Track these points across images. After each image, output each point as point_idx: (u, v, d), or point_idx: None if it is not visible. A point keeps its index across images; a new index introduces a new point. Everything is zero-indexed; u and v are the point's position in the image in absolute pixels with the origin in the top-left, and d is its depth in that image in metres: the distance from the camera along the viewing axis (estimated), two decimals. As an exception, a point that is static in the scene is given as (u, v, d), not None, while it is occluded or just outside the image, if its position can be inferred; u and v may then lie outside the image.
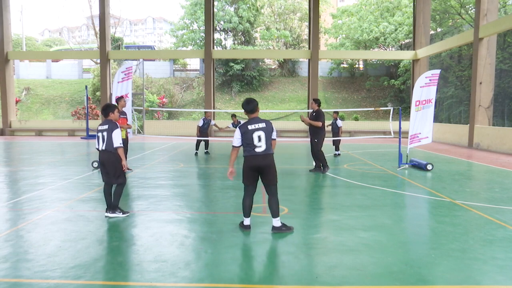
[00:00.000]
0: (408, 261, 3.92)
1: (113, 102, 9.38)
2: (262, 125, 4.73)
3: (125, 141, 8.48)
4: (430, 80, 10.03)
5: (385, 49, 32.56)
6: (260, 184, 4.93)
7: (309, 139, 9.74)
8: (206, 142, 13.52)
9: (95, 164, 9.80)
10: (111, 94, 16.41)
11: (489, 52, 16.29)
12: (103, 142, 5.35)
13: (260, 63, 33.96)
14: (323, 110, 9.32)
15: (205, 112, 13.58)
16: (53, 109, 30.76)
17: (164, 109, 23.85)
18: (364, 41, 31.66)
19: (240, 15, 33.44)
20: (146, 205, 6.22)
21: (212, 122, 13.60)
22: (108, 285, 3.39)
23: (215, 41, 27.65)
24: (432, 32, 26.97)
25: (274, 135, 4.87)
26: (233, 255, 4.08)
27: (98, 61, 25.11)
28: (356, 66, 34.97)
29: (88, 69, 36.01)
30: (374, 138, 19.54)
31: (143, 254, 4.07)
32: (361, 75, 34.60)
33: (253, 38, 36.38)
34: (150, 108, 22.47)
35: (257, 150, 4.68)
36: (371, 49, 32.37)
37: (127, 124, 9.30)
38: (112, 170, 5.36)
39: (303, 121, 9.39)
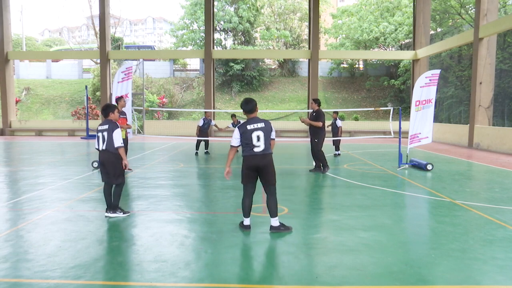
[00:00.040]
0: (408, 261, 3.92)
1: (113, 102, 9.38)
2: (261, 125, 4.73)
3: (125, 141, 8.48)
4: (430, 80, 10.03)
5: (385, 49, 32.56)
6: (259, 184, 4.92)
7: (309, 139, 9.74)
8: (206, 142, 13.52)
9: (95, 164, 9.80)
10: (111, 94, 16.42)
11: (489, 52, 16.29)
12: (103, 142, 5.35)
13: (260, 63, 33.97)
14: (323, 110, 9.33)
15: (205, 112, 13.59)
16: (53, 109, 30.76)
17: (164, 109, 23.85)
18: (364, 41, 31.66)
19: (240, 15, 33.44)
20: (146, 205, 6.22)
21: (213, 122, 13.60)
22: (108, 285, 3.39)
23: (215, 41, 27.65)
24: (432, 32, 26.97)
25: (273, 135, 4.88)
26: (233, 255, 4.08)
27: (98, 61, 25.11)
28: (356, 66, 34.97)
29: (88, 69, 36.02)
30: (374, 138, 19.54)
31: (143, 254, 4.07)
32: (361, 75, 34.60)
33: (253, 38, 36.38)
34: (150, 108, 22.47)
35: (256, 150, 4.69)
36: (371, 49, 32.37)
37: (127, 124, 9.31)
38: (112, 170, 5.36)
39: (303, 122, 9.41)
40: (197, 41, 33.99)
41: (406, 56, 23.71)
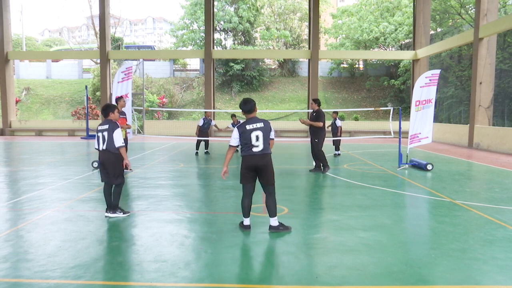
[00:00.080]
0: (408, 261, 3.92)
1: (113, 102, 9.39)
2: (260, 124, 4.74)
3: (125, 141, 8.48)
4: (430, 80, 10.03)
5: (385, 49, 32.56)
6: (259, 184, 4.92)
7: (309, 139, 9.75)
8: (206, 142, 13.52)
9: (95, 164, 9.80)
10: (111, 94, 16.41)
11: (489, 52, 16.29)
12: (103, 142, 5.35)
13: (260, 63, 33.97)
14: (323, 110, 9.34)
15: (205, 112, 13.59)
16: (53, 109, 30.76)
17: (164, 109, 23.86)
18: (364, 41, 31.66)
19: (240, 15, 33.44)
20: (146, 205, 6.22)
21: (213, 122, 13.59)
22: (108, 285, 3.39)
23: (215, 41, 27.65)
24: (432, 32, 26.97)
25: (272, 135, 4.88)
26: (233, 255, 4.08)
27: (98, 61, 25.11)
28: (356, 66, 34.97)
29: (88, 69, 36.02)
30: (374, 138, 19.54)
31: (143, 254, 4.07)
32: (361, 75, 34.60)
33: (253, 38, 36.38)
34: (150, 108, 22.47)
35: (255, 149, 4.69)
36: (371, 49, 32.37)
37: (127, 124, 9.32)
38: (112, 170, 5.36)
39: (303, 123, 9.43)
40: (197, 41, 33.99)
41: (406, 56, 23.71)
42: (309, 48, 22.84)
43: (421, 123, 10.15)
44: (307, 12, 29.93)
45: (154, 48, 42.77)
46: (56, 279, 3.45)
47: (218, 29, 34.53)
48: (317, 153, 9.32)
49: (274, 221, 4.82)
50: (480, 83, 16.24)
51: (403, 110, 24.81)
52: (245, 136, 4.69)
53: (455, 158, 12.73)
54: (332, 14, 36.35)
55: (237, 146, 4.84)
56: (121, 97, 8.84)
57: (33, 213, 5.63)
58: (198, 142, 13.37)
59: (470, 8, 25.78)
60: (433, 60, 24.50)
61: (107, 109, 5.53)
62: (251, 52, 29.72)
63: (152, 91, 30.44)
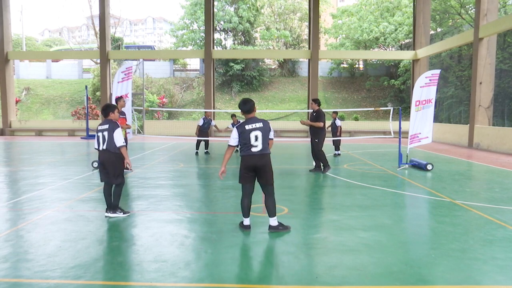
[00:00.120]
0: (408, 261, 3.92)
1: (113, 102, 9.38)
2: (259, 124, 4.74)
3: (125, 142, 8.47)
4: (430, 80, 10.03)
5: (385, 49, 32.56)
6: (258, 184, 4.92)
7: (309, 139, 9.75)
8: (206, 142, 13.52)
9: (95, 164, 9.80)
10: (111, 94, 16.42)
11: (489, 52, 16.29)
12: (103, 141, 5.35)
13: (260, 63, 33.97)
14: (323, 110, 9.34)
15: (205, 112, 13.59)
16: (53, 109, 30.76)
17: (164, 109, 23.86)
18: (364, 41, 31.66)
19: (240, 15, 33.44)
20: (146, 205, 6.22)
21: (213, 123, 13.57)
22: (108, 285, 3.39)
23: (215, 41, 27.65)
24: (432, 32, 26.97)
25: (271, 135, 4.88)
26: (233, 255, 4.08)
27: (98, 61, 25.11)
28: (356, 66, 34.97)
29: (88, 69, 36.02)
30: (374, 138, 19.54)
31: (143, 254, 4.07)
32: (361, 75, 34.60)
33: (253, 38, 36.38)
34: (150, 108, 22.47)
35: (254, 150, 4.69)
36: (371, 49, 32.37)
37: (126, 124, 9.32)
38: (112, 170, 5.36)
39: (303, 124, 9.44)
40: (197, 41, 33.99)
41: (406, 56, 23.71)
42: (309, 48, 22.84)
43: (421, 123, 10.15)
44: (307, 12, 29.92)
45: (154, 48, 42.77)
46: (56, 279, 3.45)
47: (218, 29, 34.53)
48: (317, 153, 9.32)
49: (273, 221, 4.83)
50: (480, 83, 16.24)
51: (403, 110, 24.81)
52: (244, 136, 4.69)
53: (455, 158, 12.73)
54: (332, 14, 36.35)
55: (236, 146, 4.84)
56: (121, 97, 8.83)
57: (33, 213, 5.63)
58: (198, 142, 13.37)
59: (470, 8, 25.78)
60: (433, 60, 24.50)
61: (107, 109, 5.53)
62: (251, 52, 29.73)
63: (152, 91, 30.44)
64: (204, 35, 25.58)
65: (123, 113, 9.03)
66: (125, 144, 5.44)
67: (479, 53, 16.20)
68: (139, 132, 20.50)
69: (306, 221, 5.37)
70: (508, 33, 19.18)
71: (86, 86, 20.52)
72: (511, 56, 20.46)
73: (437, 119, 20.87)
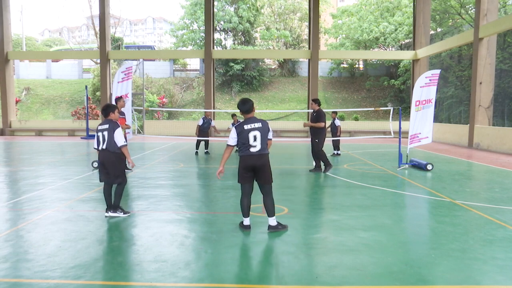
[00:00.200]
0: (408, 261, 3.92)
1: (113, 102, 9.39)
2: (258, 125, 4.74)
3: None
4: (430, 80, 10.03)
5: (385, 49, 32.56)
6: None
7: (309, 139, 9.76)
8: (206, 142, 13.51)
9: (95, 164, 9.80)
10: (111, 94, 16.41)
11: (489, 52, 16.29)
12: (103, 141, 5.34)
13: (260, 63, 33.96)
14: (323, 110, 9.35)
15: (205, 112, 13.58)
16: (53, 109, 30.76)
17: (164, 109, 23.86)
18: (364, 41, 31.66)
19: (240, 15, 33.44)
20: (146, 205, 6.22)
21: (213, 123, 13.56)
22: (108, 285, 3.39)
23: (215, 41, 27.65)
24: (432, 32, 26.97)
25: (270, 135, 4.88)
26: (233, 255, 4.08)
27: (98, 61, 25.11)
28: (356, 66, 34.97)
29: (88, 69, 36.02)
30: (374, 138, 19.54)
31: (143, 254, 4.07)
32: (361, 75, 34.60)
33: (253, 38, 36.38)
34: (150, 108, 22.47)
35: (252, 150, 4.69)
36: (371, 49, 32.37)
37: (126, 125, 9.34)
38: (112, 170, 5.36)
39: (306, 126, 9.47)
40: (197, 41, 33.99)
41: (406, 56, 23.71)
42: (309, 48, 22.84)
43: (421, 123, 10.15)
44: (307, 12, 29.92)
45: (154, 48, 42.77)
46: (56, 279, 3.45)
47: (218, 29, 34.52)
48: (317, 153, 9.32)
49: (272, 221, 4.83)
50: (480, 83, 16.24)
51: (403, 110, 24.81)
52: (243, 136, 4.70)
53: (455, 158, 12.73)
54: (332, 14, 36.34)
55: (235, 146, 4.84)
56: (121, 97, 8.84)
57: (33, 213, 5.63)
58: (198, 142, 13.37)
59: (470, 8, 25.78)
60: (433, 60, 24.50)
61: (108, 109, 5.53)
62: (251, 52, 29.73)
63: (152, 91, 30.44)
64: (204, 35, 25.58)
65: (122, 113, 9.05)
66: (126, 143, 5.45)
67: (479, 53, 16.20)
68: (139, 132, 20.49)
69: (306, 221, 5.37)
70: (508, 33, 19.18)
71: (86, 86, 20.53)
72: (511, 56, 20.46)
73: (437, 119, 20.87)
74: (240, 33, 34.80)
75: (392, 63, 31.60)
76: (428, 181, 8.49)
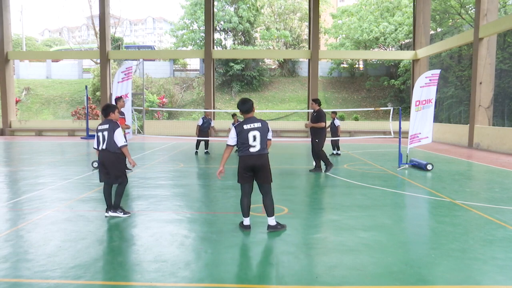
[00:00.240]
0: (408, 261, 3.92)
1: (113, 102, 9.39)
2: (258, 124, 4.74)
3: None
4: (430, 80, 10.03)
5: (385, 49, 32.56)
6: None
7: (309, 139, 9.76)
8: (206, 142, 13.51)
9: (95, 164, 9.79)
10: (111, 94, 16.41)
11: (489, 52, 16.29)
12: (103, 141, 5.34)
13: (260, 63, 33.96)
14: (323, 110, 9.35)
15: (205, 112, 13.58)
16: (53, 109, 30.76)
17: (164, 109, 23.85)
18: (364, 41, 31.66)
19: (240, 15, 33.44)
20: (146, 205, 6.22)
21: (212, 123, 13.55)
22: (108, 285, 3.39)
23: (215, 41, 27.65)
24: (432, 32, 26.97)
25: (269, 136, 4.88)
26: (233, 255, 4.08)
27: (98, 61, 25.11)
28: (356, 66, 34.97)
29: (88, 69, 36.01)
30: (374, 138, 19.54)
31: (143, 254, 4.07)
32: (361, 75, 34.60)
33: (253, 38, 36.38)
34: (150, 108, 22.46)
35: (252, 150, 4.69)
36: (371, 49, 32.37)
37: (125, 125, 9.34)
38: (113, 170, 5.36)
39: (307, 127, 9.47)
40: (197, 41, 33.99)
41: (406, 56, 23.71)
42: (309, 48, 22.84)
43: (421, 123, 10.15)
44: (307, 12, 29.93)
45: (154, 48, 42.77)
46: (56, 279, 3.45)
47: (218, 29, 34.52)
48: (318, 153, 9.32)
49: (272, 221, 4.84)
50: (480, 83, 16.24)
51: (403, 110, 24.81)
52: (242, 136, 4.70)
53: (455, 158, 12.73)
54: (332, 14, 36.34)
55: (235, 145, 4.84)
56: (121, 97, 8.83)
57: (33, 213, 5.63)
58: (198, 142, 13.37)
59: (470, 8, 25.78)
60: (433, 60, 24.50)
61: (108, 109, 5.53)
62: (251, 52, 29.73)
63: (152, 91, 30.43)
64: (204, 35, 25.58)
65: (122, 113, 9.04)
66: (126, 143, 5.44)
67: (479, 53, 16.20)
68: (139, 132, 20.49)
69: (306, 221, 5.37)
70: (508, 33, 19.18)
71: (86, 86, 20.53)
72: (511, 56, 20.46)
73: (437, 119, 20.87)
74: (240, 33, 34.80)
75: (392, 63, 31.60)
76: (428, 181, 8.49)
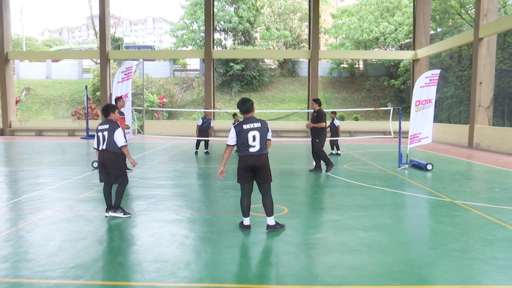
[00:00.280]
0: (408, 261, 3.92)
1: (113, 102, 9.39)
2: (257, 124, 4.74)
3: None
4: (430, 80, 10.03)
5: (385, 49, 32.56)
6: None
7: (309, 139, 9.75)
8: (206, 142, 13.51)
9: (95, 164, 9.79)
10: (111, 94, 16.41)
11: (489, 52, 16.29)
12: (103, 141, 5.34)
13: (260, 63, 33.96)
14: (323, 110, 9.35)
15: (204, 112, 13.58)
16: (53, 109, 30.76)
17: (164, 109, 23.86)
18: (364, 41, 31.66)
19: (240, 15, 33.44)
20: (146, 205, 6.22)
21: (212, 123, 13.55)
22: (108, 285, 3.39)
23: (215, 41, 27.65)
24: (432, 32, 26.97)
25: (269, 136, 4.88)
26: (233, 255, 4.08)
27: (98, 61, 25.11)
28: (356, 66, 34.97)
29: (88, 69, 36.01)
30: (374, 138, 19.53)
31: (143, 254, 4.07)
32: (361, 75, 34.60)
33: (253, 38, 36.37)
34: (150, 108, 22.47)
35: (252, 150, 4.69)
36: (371, 49, 32.36)
37: (125, 125, 9.34)
38: (113, 170, 5.35)
39: (308, 127, 9.47)
40: (197, 41, 33.99)
41: (406, 56, 23.71)
42: (309, 48, 22.84)
43: (421, 123, 10.15)
44: (307, 12, 29.93)
45: (154, 48, 42.76)
46: (56, 279, 3.45)
47: (218, 29, 34.52)
48: (318, 153, 9.32)
49: (271, 220, 4.84)
50: (480, 83, 16.24)
51: (403, 110, 24.81)
52: (242, 136, 4.69)
53: (455, 158, 12.73)
54: (332, 14, 36.34)
55: (235, 145, 4.83)
56: (121, 97, 8.83)
57: (33, 213, 5.63)
58: (198, 142, 13.37)
59: (470, 8, 25.78)
60: (433, 60, 24.50)
61: (108, 109, 5.53)
62: (251, 52, 29.73)
63: (152, 91, 30.43)
64: (204, 35, 25.58)
65: (122, 113, 9.04)
66: (126, 144, 5.44)
67: (479, 53, 16.20)
68: (139, 132, 20.49)
69: (306, 221, 5.37)
70: (508, 33, 19.18)
71: (86, 86, 20.53)
72: (511, 56, 20.47)
73: (437, 119, 20.87)
74: (240, 33, 34.80)
75: (392, 63, 31.60)
76: (428, 181, 8.49)
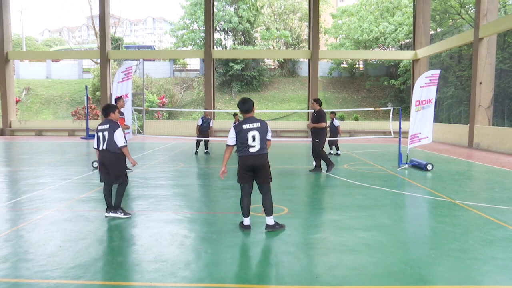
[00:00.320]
0: (408, 261, 3.92)
1: (113, 102, 9.39)
2: (257, 125, 4.74)
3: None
4: (430, 80, 10.03)
5: (385, 49, 32.56)
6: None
7: (309, 139, 9.75)
8: (206, 142, 13.51)
9: (95, 164, 9.79)
10: (111, 94, 16.41)
11: (489, 52, 16.29)
12: (103, 141, 5.34)
13: (260, 63, 33.96)
14: (324, 110, 9.35)
15: (204, 112, 13.58)
16: (53, 109, 30.76)
17: (164, 109, 23.86)
18: (364, 41, 31.66)
19: (240, 15, 33.44)
20: (146, 205, 6.22)
21: (211, 123, 13.55)
22: (108, 285, 3.39)
23: (215, 41, 27.65)
24: (432, 32, 26.97)
25: (269, 136, 4.87)
26: (233, 255, 4.08)
27: (98, 61, 25.11)
28: (356, 66, 34.97)
29: (88, 69, 36.01)
30: (374, 138, 19.54)
31: (143, 254, 4.07)
32: (361, 75, 34.60)
33: (253, 38, 36.37)
34: (150, 108, 22.47)
35: (251, 150, 4.69)
36: (371, 49, 32.36)
37: (125, 125, 9.34)
38: (113, 170, 5.35)
39: (309, 127, 9.47)
40: (197, 41, 33.99)
41: (406, 56, 23.71)
42: (309, 48, 22.84)
43: (421, 123, 10.15)
44: (307, 12, 29.93)
45: (154, 48, 42.76)
46: (56, 279, 3.45)
47: (218, 29, 34.52)
48: (318, 153, 9.32)
49: (270, 220, 4.84)
50: (480, 83, 16.24)
51: (403, 110, 24.81)
52: (241, 136, 4.70)
53: (455, 158, 12.73)
54: (332, 14, 36.34)
55: (234, 145, 4.83)
56: (121, 97, 8.83)
57: (33, 213, 5.63)
58: (198, 142, 13.37)
59: (470, 8, 25.78)
60: (433, 60, 24.50)
61: (108, 109, 5.53)
62: (251, 52, 29.73)
63: (152, 91, 30.43)
64: (204, 35, 25.58)
65: (121, 114, 9.04)
66: (126, 144, 5.44)
67: (479, 53, 16.20)
68: (139, 132, 20.49)
69: (306, 221, 5.37)
70: (508, 33, 19.18)
71: (86, 86, 20.53)
72: (511, 56, 20.46)
73: (437, 119, 20.87)
74: (240, 33, 34.80)
75: (392, 63, 31.60)
76: (428, 181, 8.49)
